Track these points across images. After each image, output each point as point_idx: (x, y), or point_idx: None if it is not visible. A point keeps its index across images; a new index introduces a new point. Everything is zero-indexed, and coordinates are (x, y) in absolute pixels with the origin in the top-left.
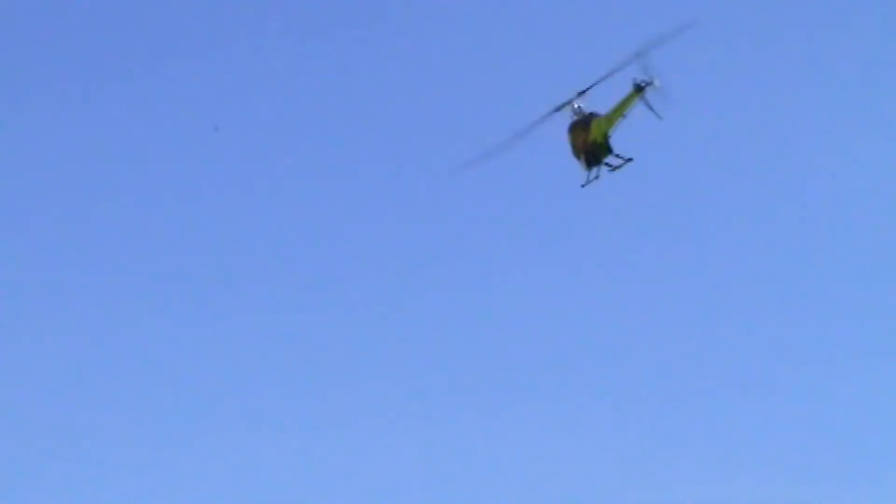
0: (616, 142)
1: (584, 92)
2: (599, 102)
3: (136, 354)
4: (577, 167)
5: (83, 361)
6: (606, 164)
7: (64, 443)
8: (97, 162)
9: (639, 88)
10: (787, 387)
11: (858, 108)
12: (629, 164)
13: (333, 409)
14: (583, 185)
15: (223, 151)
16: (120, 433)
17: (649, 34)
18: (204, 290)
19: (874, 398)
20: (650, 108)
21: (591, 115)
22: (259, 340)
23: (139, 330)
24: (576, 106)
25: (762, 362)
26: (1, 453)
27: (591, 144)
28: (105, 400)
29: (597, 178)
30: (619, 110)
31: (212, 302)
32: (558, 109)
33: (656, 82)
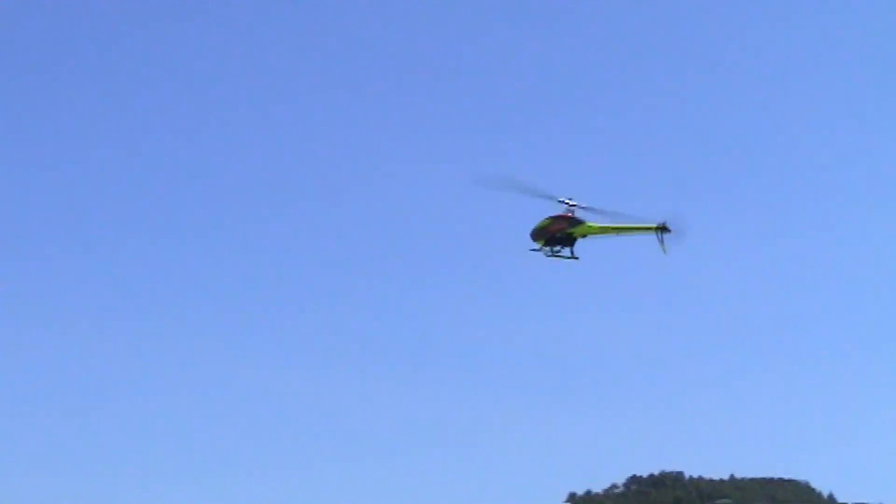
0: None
1: (587, 209)
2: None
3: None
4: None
5: None
6: (555, 250)
7: None
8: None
9: (662, 228)
10: None
11: None
12: (571, 260)
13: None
14: (532, 250)
15: None
16: None
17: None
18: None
19: None
20: (661, 243)
21: (580, 218)
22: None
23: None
24: (572, 208)
25: None
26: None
27: (566, 234)
28: None
29: (546, 254)
30: (627, 229)
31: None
32: (562, 202)
33: (672, 231)
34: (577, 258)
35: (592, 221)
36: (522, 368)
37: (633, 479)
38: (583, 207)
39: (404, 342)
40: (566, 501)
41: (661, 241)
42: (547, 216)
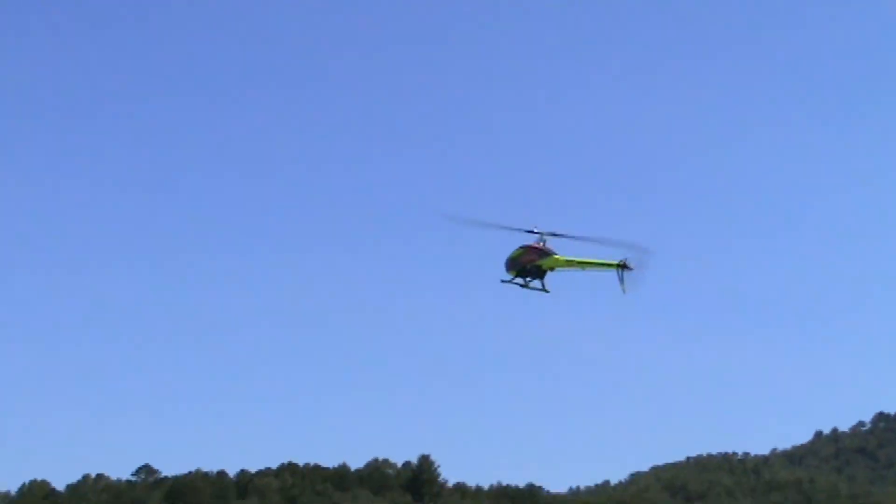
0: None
1: (557, 235)
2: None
3: None
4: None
5: None
6: (528, 281)
7: None
8: None
9: (622, 265)
10: None
11: None
12: (541, 293)
13: None
14: (503, 281)
15: None
16: None
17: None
18: None
19: None
20: (621, 281)
21: (549, 250)
22: None
23: None
24: (543, 237)
25: None
26: None
27: (535, 266)
28: None
29: (518, 284)
30: (590, 264)
31: None
32: (529, 232)
33: (635, 269)
34: (548, 291)
35: (559, 254)
36: (772, 306)
37: (881, 416)
38: (554, 234)
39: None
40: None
41: (622, 280)
42: (519, 246)
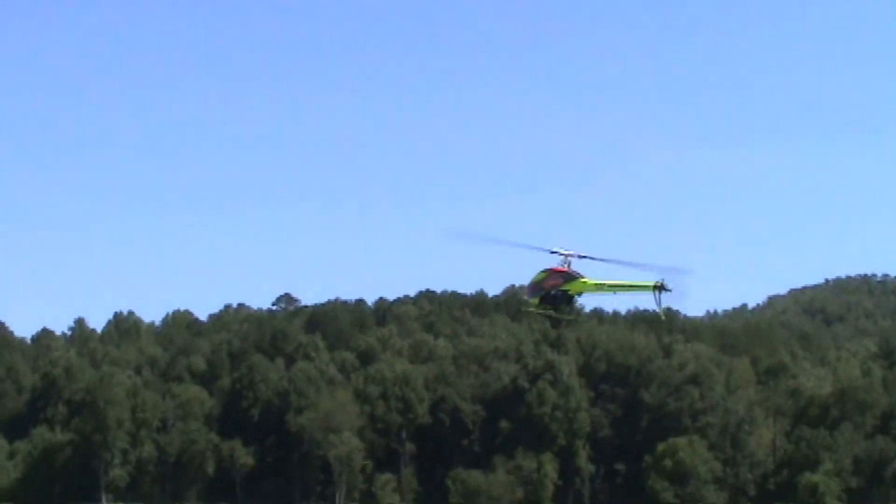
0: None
1: (584, 257)
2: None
3: None
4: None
5: None
6: (551, 311)
7: None
8: None
9: (659, 286)
10: None
11: None
12: (569, 319)
13: None
14: (527, 311)
15: None
16: None
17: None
18: None
19: None
20: (658, 304)
21: (575, 273)
22: None
23: None
24: (568, 259)
25: None
26: None
27: (562, 292)
28: None
29: (547, 316)
30: (623, 287)
31: None
32: (554, 252)
33: (672, 290)
34: (574, 318)
35: (587, 277)
36: None
37: None
38: (581, 256)
39: None
40: None
41: (659, 303)
42: (542, 270)
